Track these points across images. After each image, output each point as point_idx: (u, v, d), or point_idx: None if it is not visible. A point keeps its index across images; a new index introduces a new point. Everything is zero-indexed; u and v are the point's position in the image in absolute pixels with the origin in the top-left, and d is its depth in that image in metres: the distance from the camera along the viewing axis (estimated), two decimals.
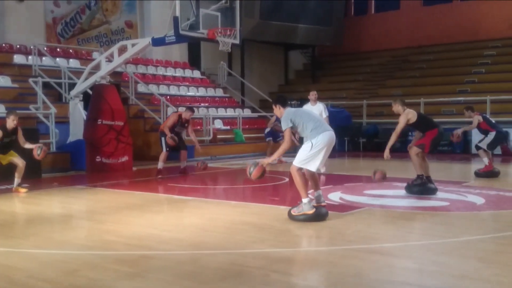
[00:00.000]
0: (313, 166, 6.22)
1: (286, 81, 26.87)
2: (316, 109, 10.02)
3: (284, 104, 6.50)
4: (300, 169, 6.27)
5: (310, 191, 6.41)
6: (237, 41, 11.60)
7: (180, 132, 11.33)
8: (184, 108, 11.92)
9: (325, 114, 10.38)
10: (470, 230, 6.03)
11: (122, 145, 12.62)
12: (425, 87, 21.04)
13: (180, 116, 10.98)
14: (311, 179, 6.45)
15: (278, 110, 6.52)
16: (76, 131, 12.96)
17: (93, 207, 7.90)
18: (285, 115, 6.37)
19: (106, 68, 12.74)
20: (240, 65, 23.60)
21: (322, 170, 6.41)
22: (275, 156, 6.45)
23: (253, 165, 6.36)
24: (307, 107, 10.09)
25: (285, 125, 6.32)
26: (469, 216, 6.82)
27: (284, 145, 6.30)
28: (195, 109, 17.48)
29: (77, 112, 13.19)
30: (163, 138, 10.98)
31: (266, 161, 6.46)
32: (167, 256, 4.91)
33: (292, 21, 23.31)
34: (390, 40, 25.24)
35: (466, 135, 16.29)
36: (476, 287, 3.94)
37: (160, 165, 11.03)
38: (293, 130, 6.48)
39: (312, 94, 10.65)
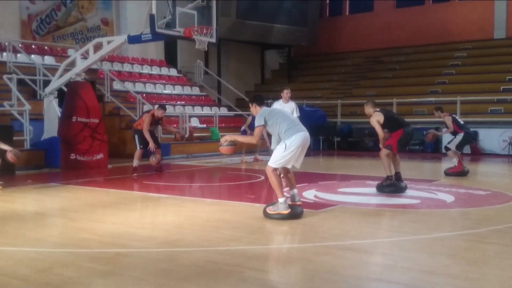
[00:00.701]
0: (287, 166, 6.27)
1: (263, 81, 26.90)
2: (288, 108, 9.48)
3: (260, 103, 6.55)
4: (275, 169, 6.29)
5: (285, 189, 6.43)
6: (213, 40, 11.57)
7: (154, 130, 11.26)
8: (156, 106, 11.84)
9: (296, 114, 9.77)
10: (440, 227, 6.13)
11: (97, 142, 12.48)
12: (398, 87, 21.30)
13: (153, 115, 10.91)
14: (287, 177, 6.47)
15: (254, 109, 6.55)
16: (51, 128, 12.76)
17: (67, 205, 7.78)
18: (260, 113, 6.40)
19: (81, 65, 12.58)
20: (217, 64, 23.53)
21: (297, 166, 6.42)
22: (239, 138, 6.56)
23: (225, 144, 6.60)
24: (278, 105, 9.53)
25: (258, 122, 6.36)
26: (439, 213, 6.94)
27: (252, 139, 6.43)
28: (172, 107, 17.47)
29: (52, 109, 12.98)
30: (137, 136, 10.90)
31: (229, 137, 6.61)
32: (142, 254, 4.87)
33: (268, 21, 23.35)
34: (364, 41, 25.48)
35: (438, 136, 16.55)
36: (445, 282, 4.01)
37: (135, 163, 10.95)
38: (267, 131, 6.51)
39: (286, 93, 9.93)
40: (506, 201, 7.60)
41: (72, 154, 12.05)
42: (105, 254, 4.84)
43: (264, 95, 8.74)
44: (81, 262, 4.55)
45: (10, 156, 8.52)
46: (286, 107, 9.28)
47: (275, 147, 6.42)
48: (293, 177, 6.53)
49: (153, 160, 10.93)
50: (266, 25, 23.32)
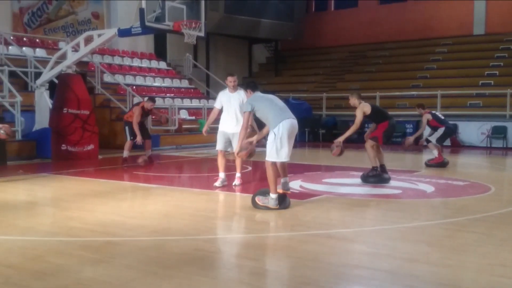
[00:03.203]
0: (283, 156, 6.14)
1: (250, 74, 26.82)
2: (235, 99, 7.83)
3: (254, 89, 6.62)
4: (273, 163, 6.19)
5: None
6: (202, 34, 11.50)
7: (144, 121, 11.18)
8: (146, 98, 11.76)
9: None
10: (421, 216, 6.18)
11: (87, 133, 12.38)
12: (381, 81, 21.37)
13: (142, 107, 10.82)
14: (281, 167, 6.38)
15: (249, 94, 6.62)
16: (42, 120, 12.64)
17: (58, 195, 7.70)
18: (249, 99, 6.39)
19: (72, 57, 12.48)
20: (206, 57, 23.42)
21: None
22: (239, 139, 6.54)
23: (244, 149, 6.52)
24: (224, 95, 7.95)
25: (245, 108, 6.33)
26: (419, 203, 6.99)
27: (242, 130, 6.43)
28: (161, 100, 17.36)
29: (43, 101, 12.86)
30: (127, 128, 10.83)
31: (253, 139, 6.70)
32: (131, 242, 4.83)
33: (256, 16, 23.27)
34: (348, 36, 25.49)
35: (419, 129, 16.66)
36: (425, 269, 4.03)
37: (125, 153, 10.86)
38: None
39: (230, 80, 7.87)
40: (484, 191, 7.68)
41: (63, 145, 11.96)
42: (95, 243, 4.80)
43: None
44: (71, 251, 4.51)
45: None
46: (232, 97, 7.82)
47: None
48: (286, 165, 6.44)
49: (140, 162, 10.75)
50: (253, 20, 23.24)
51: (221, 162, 8.00)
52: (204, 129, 8.34)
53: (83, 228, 5.31)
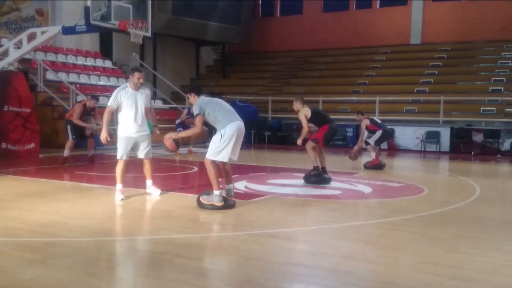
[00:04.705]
0: (224, 157, 6.14)
1: (198, 75, 26.62)
2: (142, 97, 6.92)
3: (198, 93, 6.46)
4: (213, 161, 6.18)
5: (220, 179, 6.38)
6: (148, 34, 11.34)
7: (87, 121, 10.82)
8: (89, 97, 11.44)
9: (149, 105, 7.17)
10: (359, 216, 6.33)
11: (29, 132, 11.93)
12: (324, 86, 21.75)
13: (84, 105, 10.50)
14: (224, 171, 6.38)
15: (193, 98, 6.46)
16: None
17: None
18: (197, 102, 6.32)
19: (14, 54, 12.05)
20: (152, 57, 23.03)
21: (234, 159, 6.37)
22: (183, 134, 6.46)
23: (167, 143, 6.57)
24: (125, 94, 6.78)
25: (196, 111, 6.26)
26: (358, 203, 7.16)
27: (195, 130, 6.38)
28: (106, 99, 16.92)
29: None
30: (69, 126, 10.49)
31: (172, 135, 6.57)
32: (71, 243, 4.67)
33: (204, 18, 23.14)
34: (293, 42, 25.81)
35: (359, 132, 17.11)
36: (362, 267, 4.13)
37: (66, 153, 10.48)
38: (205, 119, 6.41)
39: (139, 77, 6.77)
40: (418, 193, 7.96)
41: (3, 143, 11.50)
42: (34, 243, 4.60)
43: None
44: (9, 251, 4.31)
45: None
46: (138, 96, 6.81)
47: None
48: (230, 170, 6.43)
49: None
50: (201, 22, 23.11)
51: (122, 172, 6.91)
52: (103, 136, 6.78)
53: (22, 228, 5.09)
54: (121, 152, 6.87)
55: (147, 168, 7.15)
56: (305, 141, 8.65)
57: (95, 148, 11.56)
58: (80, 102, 10.76)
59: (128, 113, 6.76)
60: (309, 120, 8.57)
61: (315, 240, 5.04)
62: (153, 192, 7.12)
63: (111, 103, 6.72)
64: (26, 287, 3.48)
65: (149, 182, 7.20)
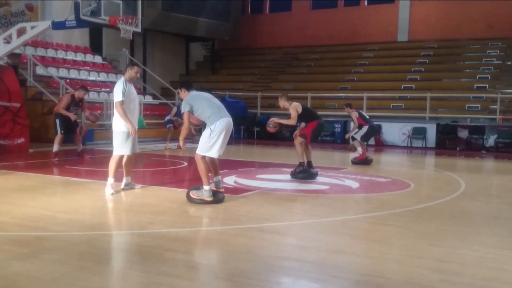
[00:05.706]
0: (214, 152, 6.18)
1: (187, 71, 26.53)
2: (133, 92, 6.90)
3: (188, 88, 6.45)
4: (203, 157, 6.21)
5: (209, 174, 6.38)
6: (138, 30, 11.27)
7: (75, 112, 10.69)
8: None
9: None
10: (346, 210, 6.37)
11: (18, 126, 11.81)
12: (312, 83, 21.80)
13: (73, 96, 10.39)
14: (212, 164, 6.40)
15: (183, 93, 6.46)
16: None
17: None
18: (186, 98, 6.31)
19: (3, 49, 11.90)
20: (142, 53, 22.92)
21: (220, 153, 6.39)
22: (181, 137, 6.40)
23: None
24: (130, 87, 6.77)
25: (184, 108, 6.25)
26: (345, 198, 7.20)
27: (183, 130, 6.32)
28: (96, 94, 16.80)
29: None
30: (58, 121, 10.38)
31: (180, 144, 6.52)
32: (62, 237, 4.64)
33: (193, 14, 23.04)
34: (282, 38, 25.82)
35: (347, 128, 17.19)
36: (349, 260, 4.16)
37: (55, 147, 10.39)
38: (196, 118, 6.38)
39: (137, 71, 6.87)
40: (404, 188, 8.02)
41: None
42: (24, 237, 4.57)
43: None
44: None
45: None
46: (134, 90, 6.90)
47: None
48: (217, 162, 6.48)
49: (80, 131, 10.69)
50: (191, 18, 23.01)
51: (117, 167, 6.81)
52: (132, 129, 6.69)
53: (12, 223, 5.04)
54: (127, 147, 6.77)
55: (128, 163, 6.99)
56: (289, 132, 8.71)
57: (86, 143, 11.49)
58: (69, 93, 10.67)
59: (127, 107, 6.71)
60: (299, 116, 8.58)
61: (304, 234, 5.06)
62: (135, 186, 7.21)
63: (121, 97, 6.56)
64: (15, 281, 3.45)
65: (128, 179, 7.14)
